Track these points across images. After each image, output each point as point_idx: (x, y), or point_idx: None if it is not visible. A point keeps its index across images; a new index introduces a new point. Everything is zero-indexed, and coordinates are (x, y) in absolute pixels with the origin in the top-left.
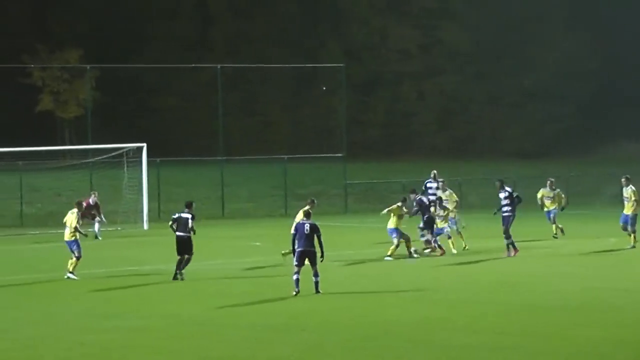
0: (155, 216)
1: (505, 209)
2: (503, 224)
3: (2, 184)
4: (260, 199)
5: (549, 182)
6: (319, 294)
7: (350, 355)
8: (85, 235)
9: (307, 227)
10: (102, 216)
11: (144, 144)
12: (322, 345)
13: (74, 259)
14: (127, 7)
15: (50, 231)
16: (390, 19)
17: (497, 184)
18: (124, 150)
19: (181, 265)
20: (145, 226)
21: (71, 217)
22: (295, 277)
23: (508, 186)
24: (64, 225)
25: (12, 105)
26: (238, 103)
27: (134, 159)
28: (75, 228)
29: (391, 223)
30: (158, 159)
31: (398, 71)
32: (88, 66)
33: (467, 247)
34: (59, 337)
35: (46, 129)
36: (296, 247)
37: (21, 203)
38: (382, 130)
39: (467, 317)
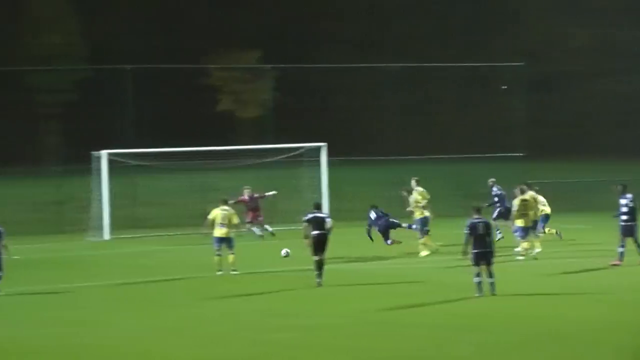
0: (335, 215)
1: (624, 217)
2: (622, 233)
3: (184, 184)
4: (437, 199)
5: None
6: (495, 295)
7: (530, 355)
8: (247, 230)
9: (481, 226)
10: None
11: (324, 144)
12: (501, 345)
13: (231, 255)
14: (307, 8)
15: (232, 230)
16: (569, 18)
17: (619, 188)
18: (304, 149)
19: (321, 267)
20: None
21: (229, 214)
22: (476, 280)
23: (629, 193)
24: (211, 225)
25: (193, 105)
26: (416, 102)
27: (314, 159)
28: (237, 225)
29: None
30: (337, 158)
31: (577, 70)
32: (268, 66)
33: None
34: (236, 335)
35: (226, 129)
36: (472, 248)
37: (202, 202)
38: (561, 130)
39: None
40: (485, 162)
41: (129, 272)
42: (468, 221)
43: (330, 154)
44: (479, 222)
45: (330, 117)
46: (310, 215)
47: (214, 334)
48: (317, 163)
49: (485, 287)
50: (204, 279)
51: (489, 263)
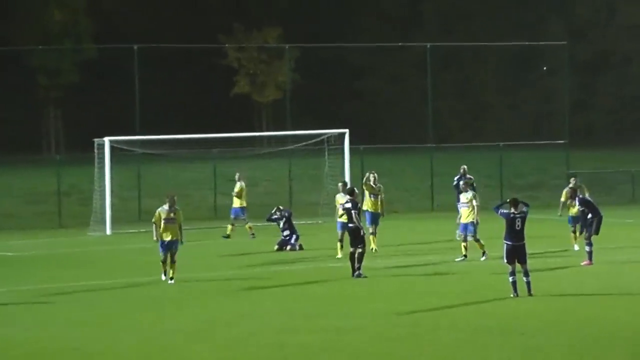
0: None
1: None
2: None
3: (195, 173)
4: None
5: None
6: (532, 296)
7: None
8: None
9: (518, 222)
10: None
11: (347, 130)
12: (542, 349)
13: None
14: None
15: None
16: None
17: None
18: (325, 136)
19: (354, 259)
20: None
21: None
22: (511, 279)
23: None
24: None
25: (206, 88)
26: (450, 85)
27: (336, 146)
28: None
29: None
30: (362, 146)
31: (627, 50)
32: (287, 46)
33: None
34: (256, 338)
35: (242, 114)
36: (504, 241)
37: (215, 194)
38: (609, 115)
39: None
40: (525, 150)
41: (135, 270)
42: (504, 212)
43: (354, 141)
44: (516, 217)
45: (354, 101)
46: (342, 206)
47: (235, 337)
48: (340, 151)
49: (521, 287)
50: (218, 277)
51: (523, 261)
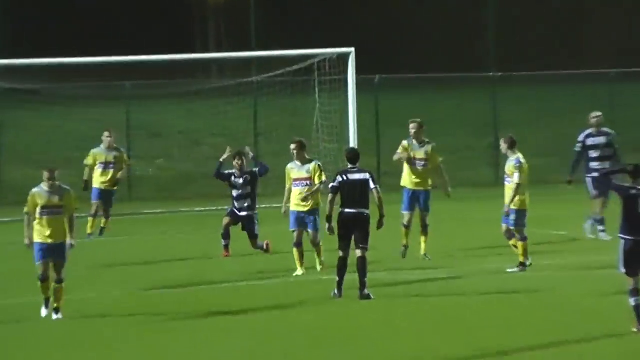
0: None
1: None
2: None
3: (95, 123)
4: (564, 142)
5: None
6: None
7: None
8: None
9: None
10: None
11: (352, 49)
12: None
13: None
14: None
15: (181, 209)
16: None
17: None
18: (316, 60)
19: (346, 267)
20: None
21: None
22: (632, 301)
23: None
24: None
25: None
26: None
27: (334, 77)
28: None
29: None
30: (377, 76)
31: None
32: None
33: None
34: None
35: (175, 26)
36: (621, 235)
37: (129, 156)
38: None
39: None
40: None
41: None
42: (619, 187)
43: (363, 68)
44: (633, 189)
45: (364, 4)
46: (340, 179)
47: None
48: (340, 84)
49: None
50: (138, 300)
51: None
